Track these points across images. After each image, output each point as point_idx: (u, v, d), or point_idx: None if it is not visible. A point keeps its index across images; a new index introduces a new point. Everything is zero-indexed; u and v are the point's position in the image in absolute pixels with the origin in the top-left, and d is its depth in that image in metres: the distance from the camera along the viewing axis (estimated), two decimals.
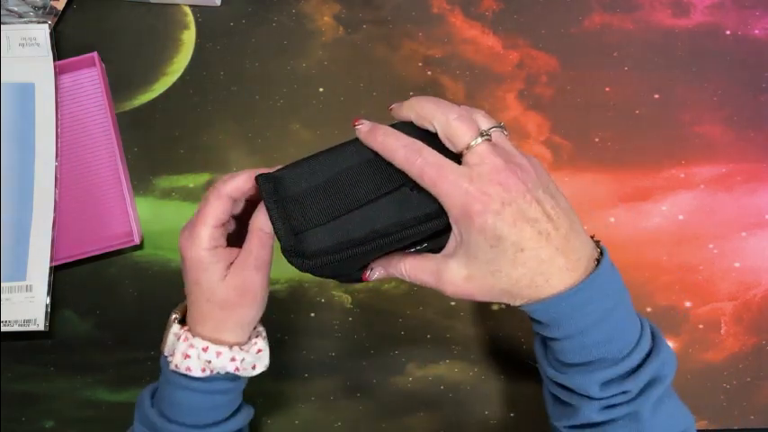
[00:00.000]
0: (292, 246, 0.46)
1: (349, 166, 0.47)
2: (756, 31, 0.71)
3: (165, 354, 0.51)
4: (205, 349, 0.49)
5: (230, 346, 0.50)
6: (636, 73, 0.70)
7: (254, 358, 0.51)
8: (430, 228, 0.45)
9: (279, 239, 0.47)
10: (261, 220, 0.48)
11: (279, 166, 0.47)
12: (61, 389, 0.66)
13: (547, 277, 0.43)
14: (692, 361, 0.64)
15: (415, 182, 0.45)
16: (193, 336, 0.50)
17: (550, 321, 0.45)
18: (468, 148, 0.43)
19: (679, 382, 0.64)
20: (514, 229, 0.42)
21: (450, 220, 0.44)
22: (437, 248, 0.51)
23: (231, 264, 0.49)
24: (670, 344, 0.65)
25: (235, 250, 0.50)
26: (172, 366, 0.50)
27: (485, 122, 0.45)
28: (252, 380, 0.61)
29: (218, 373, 0.50)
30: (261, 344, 0.52)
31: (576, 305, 0.44)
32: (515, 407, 0.64)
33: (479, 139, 0.43)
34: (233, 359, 0.50)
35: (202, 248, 0.48)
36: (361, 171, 0.46)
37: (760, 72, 0.70)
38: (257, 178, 0.47)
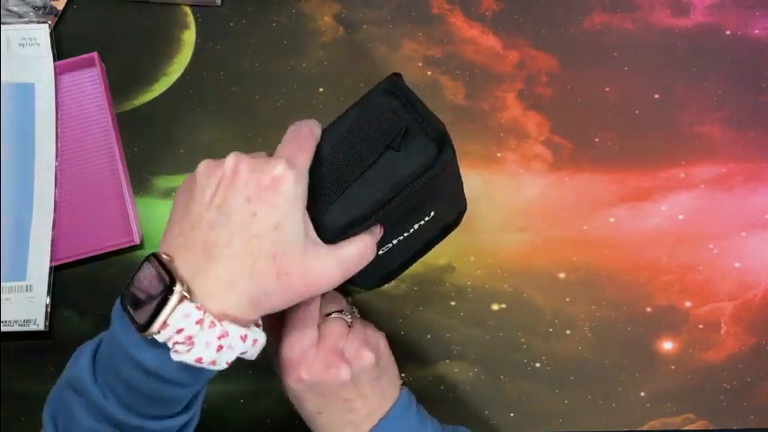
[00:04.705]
0: None
1: (329, 150, 0.47)
2: (756, 31, 0.71)
3: (163, 341, 0.39)
4: (243, 338, 0.39)
5: (258, 326, 0.42)
6: (636, 73, 0.70)
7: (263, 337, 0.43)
8: (428, 178, 0.46)
9: None
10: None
11: None
12: None
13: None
14: (692, 361, 0.64)
15: (399, 141, 0.46)
16: (220, 319, 0.39)
17: None
18: (325, 318, 0.48)
19: (679, 382, 0.64)
20: (322, 398, 0.47)
21: (281, 356, 0.46)
22: (450, 220, 0.52)
23: None
24: (669, 344, 0.65)
25: None
26: (186, 358, 0.39)
27: (340, 306, 0.49)
28: (252, 379, 0.61)
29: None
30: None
31: None
32: (515, 407, 0.64)
33: (331, 319, 0.48)
34: (263, 344, 0.42)
35: (305, 188, 0.41)
36: (342, 150, 0.47)
37: (760, 72, 0.70)
38: None
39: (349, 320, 0.49)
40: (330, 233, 0.46)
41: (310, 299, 0.46)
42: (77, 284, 0.67)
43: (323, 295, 0.48)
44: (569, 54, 0.71)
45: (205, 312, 0.39)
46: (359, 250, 0.44)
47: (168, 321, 0.38)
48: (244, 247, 0.39)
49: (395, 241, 0.51)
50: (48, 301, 0.66)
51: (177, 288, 0.38)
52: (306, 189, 0.42)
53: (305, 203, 0.42)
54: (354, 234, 0.45)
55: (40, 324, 0.65)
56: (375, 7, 0.73)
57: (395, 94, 0.48)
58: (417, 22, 0.72)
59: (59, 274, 0.67)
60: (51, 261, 0.66)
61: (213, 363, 0.39)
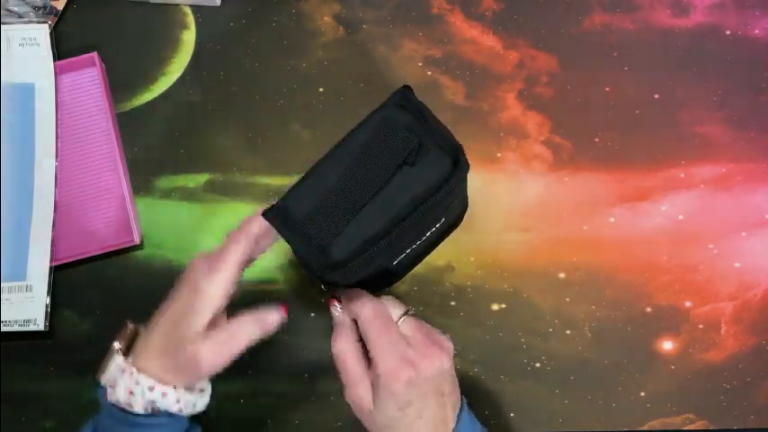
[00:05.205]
0: (324, 263, 0.46)
1: (344, 169, 0.47)
2: (756, 31, 0.71)
3: (103, 383, 0.50)
4: (151, 389, 0.48)
5: (175, 387, 0.49)
6: (636, 73, 0.70)
7: (197, 398, 0.51)
8: (445, 192, 0.46)
9: (309, 265, 0.47)
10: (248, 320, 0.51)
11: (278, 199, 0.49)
12: (61, 389, 0.66)
13: None
14: (692, 361, 0.64)
15: (412, 157, 0.46)
16: (139, 371, 0.49)
17: None
18: (399, 321, 0.49)
19: (679, 382, 0.64)
20: (423, 399, 0.47)
21: (375, 371, 0.47)
22: (453, 220, 0.52)
23: (215, 325, 0.50)
24: (670, 344, 0.65)
25: (223, 316, 0.51)
26: (112, 399, 0.49)
27: (403, 308, 0.51)
28: (252, 379, 0.61)
29: (159, 411, 0.49)
30: (204, 384, 0.52)
31: None
32: (515, 407, 0.64)
33: (406, 318, 0.49)
34: (177, 401, 0.49)
35: (221, 288, 0.49)
36: (357, 168, 0.47)
37: (760, 72, 0.70)
38: (264, 215, 0.47)
39: (415, 315, 0.50)
40: (347, 253, 0.46)
41: (378, 305, 0.48)
42: (77, 284, 0.67)
43: (386, 303, 0.50)
44: (569, 54, 0.71)
45: (131, 366, 0.49)
46: (232, 340, 0.50)
47: (106, 369, 0.50)
48: (164, 330, 0.50)
49: (408, 250, 0.51)
50: (48, 301, 0.66)
51: (115, 345, 0.50)
52: (217, 289, 0.49)
53: (208, 300, 0.49)
54: (373, 253, 0.46)
55: (40, 324, 0.65)
56: (375, 7, 0.73)
57: (406, 108, 0.48)
58: (417, 22, 0.72)
59: (59, 274, 0.67)
60: (51, 261, 0.66)
61: (129, 405, 0.48)
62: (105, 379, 0.50)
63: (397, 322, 0.49)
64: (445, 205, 0.49)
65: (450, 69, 0.71)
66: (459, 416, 0.50)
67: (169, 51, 0.73)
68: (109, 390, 0.50)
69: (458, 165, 0.47)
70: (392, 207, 0.46)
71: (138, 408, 0.48)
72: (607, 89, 0.70)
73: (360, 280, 0.48)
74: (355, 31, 0.72)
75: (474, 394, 0.65)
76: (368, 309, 0.48)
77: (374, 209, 0.46)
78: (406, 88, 0.49)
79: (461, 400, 0.51)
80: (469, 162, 0.48)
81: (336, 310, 0.51)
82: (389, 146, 0.47)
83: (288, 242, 0.47)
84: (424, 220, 0.47)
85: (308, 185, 0.48)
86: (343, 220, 0.46)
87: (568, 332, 0.65)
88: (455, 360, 0.64)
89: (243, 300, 0.67)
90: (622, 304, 0.66)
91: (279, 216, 0.47)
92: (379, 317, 0.48)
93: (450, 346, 0.49)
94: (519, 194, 0.68)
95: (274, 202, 0.48)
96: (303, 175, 0.48)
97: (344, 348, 0.49)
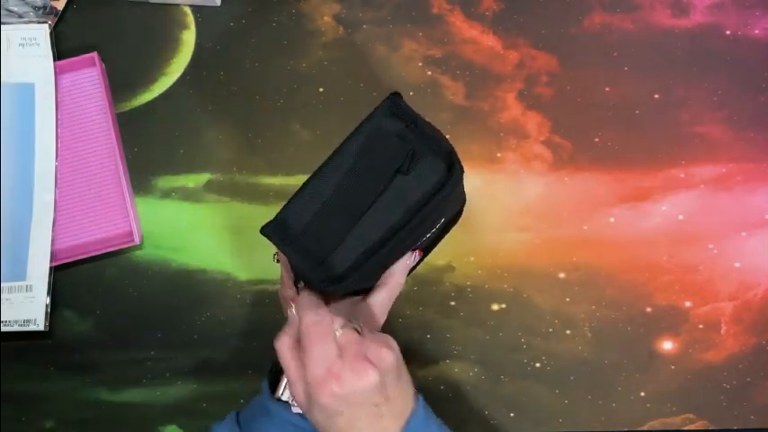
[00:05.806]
0: (324, 276, 0.46)
1: (338, 181, 0.47)
2: (756, 31, 0.71)
3: (286, 399, 0.52)
4: None
5: None
6: (636, 73, 0.70)
7: None
8: (441, 198, 0.46)
9: (308, 278, 0.47)
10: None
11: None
12: (61, 389, 0.66)
13: None
14: (691, 361, 0.64)
15: (407, 164, 0.46)
16: None
17: None
18: (338, 330, 0.48)
19: (679, 382, 0.64)
20: (354, 409, 0.47)
21: (307, 378, 0.47)
22: (452, 216, 0.52)
23: None
24: (669, 344, 0.65)
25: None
26: (297, 410, 0.51)
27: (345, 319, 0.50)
28: (252, 379, 0.61)
29: None
30: None
31: None
32: (515, 407, 0.64)
33: (344, 329, 0.48)
34: None
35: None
36: (352, 179, 0.47)
37: (760, 72, 0.70)
38: (262, 231, 0.47)
39: (359, 328, 0.50)
40: (346, 265, 0.46)
41: (322, 314, 0.48)
42: (77, 284, 0.67)
43: (332, 312, 0.50)
44: (569, 54, 0.71)
45: None
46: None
47: (284, 386, 0.52)
48: None
49: (409, 253, 0.51)
50: (48, 301, 0.66)
51: None
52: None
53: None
54: (372, 264, 0.46)
55: (40, 324, 0.65)
56: (375, 7, 0.73)
57: (396, 114, 0.48)
58: (417, 22, 0.72)
59: (59, 274, 0.67)
60: (51, 261, 0.66)
61: None
62: (287, 395, 0.52)
63: (335, 332, 0.48)
64: (442, 208, 0.49)
65: (450, 69, 0.71)
66: (409, 420, 0.49)
67: (169, 51, 0.73)
68: (294, 403, 0.51)
69: (452, 169, 0.46)
70: (389, 216, 0.46)
71: None
72: (607, 89, 0.70)
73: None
74: (355, 31, 0.72)
75: (474, 394, 0.65)
76: (308, 316, 0.48)
77: (371, 219, 0.46)
78: (395, 95, 0.49)
79: (415, 401, 0.50)
80: (467, 163, 0.48)
81: (292, 309, 0.51)
82: (383, 155, 0.47)
83: (286, 256, 0.47)
84: (422, 225, 0.47)
85: (304, 198, 0.47)
86: (341, 232, 0.46)
87: (568, 332, 0.65)
88: (455, 361, 0.65)
89: (243, 299, 0.67)
90: (622, 304, 0.66)
91: (276, 231, 0.47)
92: (317, 325, 0.47)
93: (386, 359, 0.48)
94: (519, 194, 0.68)
95: (271, 219, 0.48)
96: (298, 188, 0.48)
97: (281, 346, 0.49)
